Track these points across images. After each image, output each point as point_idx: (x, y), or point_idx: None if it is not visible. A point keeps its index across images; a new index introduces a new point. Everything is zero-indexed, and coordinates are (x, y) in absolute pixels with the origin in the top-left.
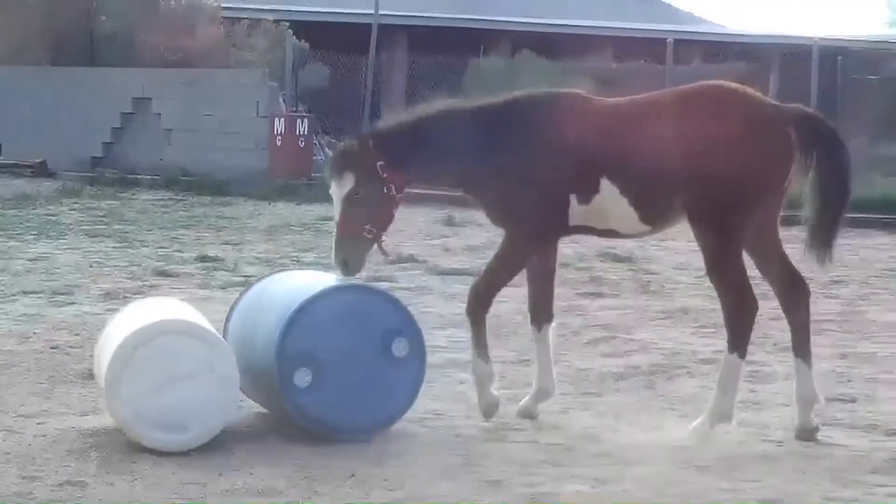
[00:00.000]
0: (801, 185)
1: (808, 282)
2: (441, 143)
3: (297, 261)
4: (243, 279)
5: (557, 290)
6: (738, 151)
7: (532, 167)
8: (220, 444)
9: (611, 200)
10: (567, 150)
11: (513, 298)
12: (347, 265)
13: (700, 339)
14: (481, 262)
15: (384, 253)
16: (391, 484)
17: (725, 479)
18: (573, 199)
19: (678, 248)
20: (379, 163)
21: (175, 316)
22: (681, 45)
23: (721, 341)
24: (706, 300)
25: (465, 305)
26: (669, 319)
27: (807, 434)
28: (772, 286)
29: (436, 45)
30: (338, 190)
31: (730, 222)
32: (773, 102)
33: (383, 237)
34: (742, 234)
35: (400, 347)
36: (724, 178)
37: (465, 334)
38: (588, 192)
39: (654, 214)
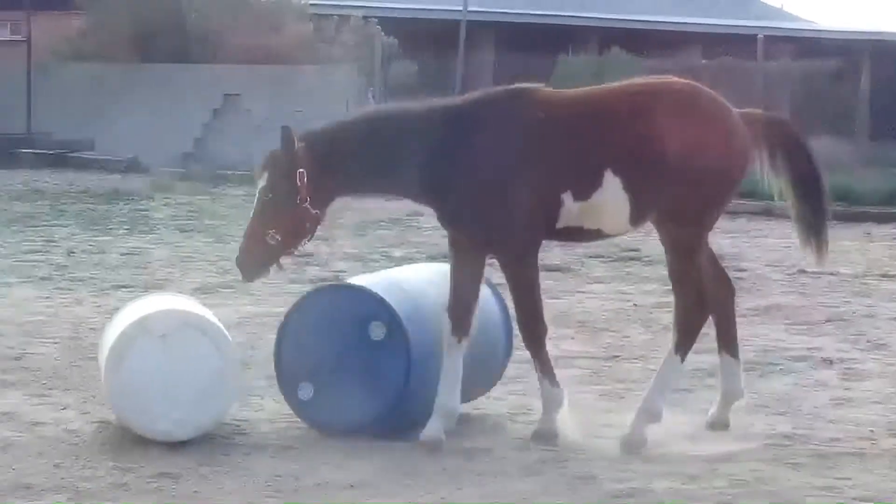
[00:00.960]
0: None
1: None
2: (386, 150)
3: (387, 256)
4: (334, 274)
5: (648, 287)
6: (720, 151)
7: (517, 168)
8: (313, 438)
9: (613, 196)
10: (562, 145)
11: (599, 296)
12: (243, 268)
13: (792, 336)
14: (570, 258)
15: (279, 266)
16: (482, 479)
17: (819, 476)
18: (566, 197)
19: (769, 245)
20: (299, 170)
21: (181, 307)
22: (770, 41)
23: (815, 339)
24: (798, 297)
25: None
26: (761, 316)
27: (720, 426)
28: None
29: (523, 42)
30: (258, 186)
31: (702, 222)
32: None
33: (294, 249)
34: (707, 233)
35: (377, 331)
36: (706, 176)
37: (553, 330)
38: (588, 188)
39: (644, 213)
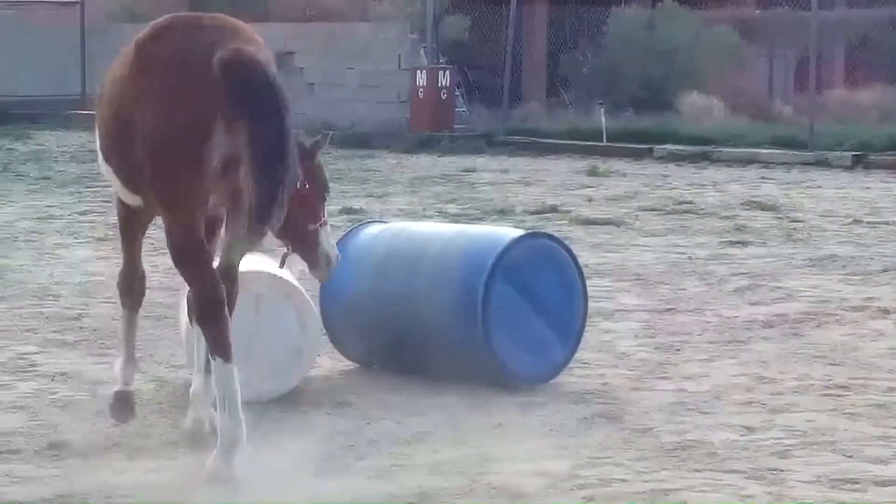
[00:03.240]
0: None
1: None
2: None
3: (441, 212)
4: None
5: (702, 240)
6: (153, 99)
7: None
8: (369, 394)
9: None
10: None
11: (654, 249)
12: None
13: (848, 287)
14: (624, 212)
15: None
16: (537, 433)
17: (877, 426)
18: None
19: (824, 196)
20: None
21: (277, 273)
22: None
23: (872, 288)
24: (854, 247)
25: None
26: (816, 267)
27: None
28: None
29: None
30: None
31: (164, 189)
32: (216, 40)
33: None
34: (183, 209)
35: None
36: (150, 132)
37: (610, 284)
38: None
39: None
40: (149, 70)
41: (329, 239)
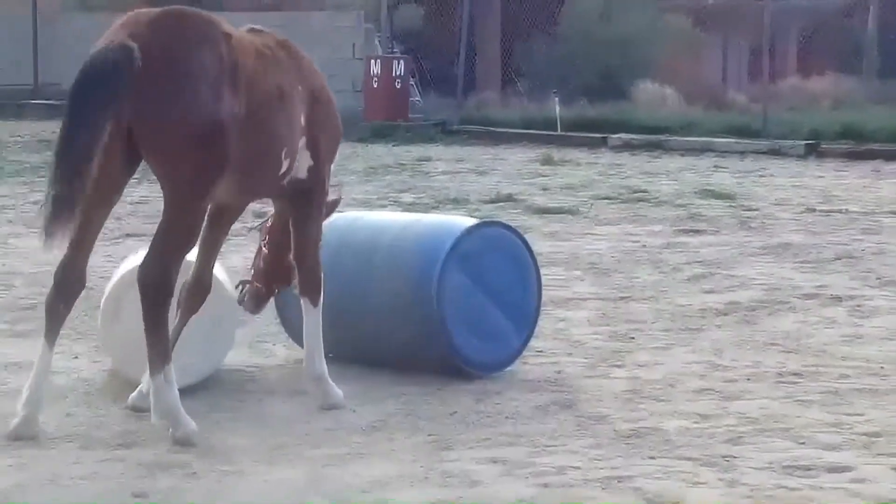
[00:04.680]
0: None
1: None
2: None
3: (396, 202)
4: None
5: (656, 228)
6: None
7: None
8: None
9: None
10: None
11: (608, 237)
12: None
13: (801, 274)
14: (579, 201)
15: None
16: (493, 420)
17: (829, 412)
18: None
19: (778, 184)
20: None
21: None
22: None
23: (825, 276)
24: (807, 235)
25: (562, 244)
26: (770, 255)
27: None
28: None
29: None
30: None
31: None
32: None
33: None
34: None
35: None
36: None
37: (564, 272)
38: None
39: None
40: None
41: None
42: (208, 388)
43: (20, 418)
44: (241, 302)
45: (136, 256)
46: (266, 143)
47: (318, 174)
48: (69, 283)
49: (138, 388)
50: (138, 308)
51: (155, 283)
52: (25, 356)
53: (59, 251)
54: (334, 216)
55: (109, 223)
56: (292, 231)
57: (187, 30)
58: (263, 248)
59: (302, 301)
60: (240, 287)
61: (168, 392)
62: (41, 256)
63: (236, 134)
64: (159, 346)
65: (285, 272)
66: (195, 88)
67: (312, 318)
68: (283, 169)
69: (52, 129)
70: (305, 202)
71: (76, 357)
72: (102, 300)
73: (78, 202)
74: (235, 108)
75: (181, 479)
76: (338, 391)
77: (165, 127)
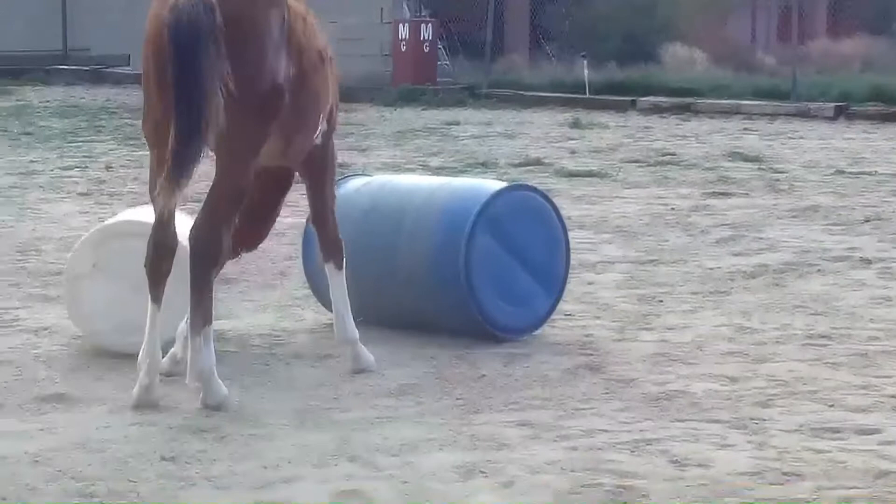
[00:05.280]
0: None
1: None
2: None
3: (424, 165)
4: None
5: (685, 191)
6: None
7: None
8: None
9: None
10: None
11: (636, 200)
12: None
13: (830, 237)
14: (607, 164)
15: None
16: (521, 384)
17: (858, 374)
18: None
19: (807, 147)
20: None
21: (133, 218)
22: None
23: (854, 238)
24: (836, 198)
25: (590, 207)
26: (799, 217)
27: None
28: None
29: None
30: None
31: None
32: None
33: None
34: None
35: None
36: None
37: (593, 236)
38: None
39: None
40: None
41: None
42: (238, 351)
43: (139, 386)
44: None
45: (109, 220)
46: (308, 105)
47: (331, 138)
48: (166, 242)
49: (170, 353)
50: (112, 276)
51: (206, 244)
52: (55, 321)
53: (177, 206)
54: (364, 179)
55: (137, 188)
56: (310, 198)
57: None
58: None
59: (326, 267)
60: None
61: (206, 354)
62: (71, 222)
63: (288, 96)
64: (202, 307)
65: (252, 236)
66: (264, 49)
67: (338, 282)
68: (317, 132)
69: (80, 94)
70: (322, 167)
71: None
72: (68, 269)
73: (200, 157)
74: (290, 70)
75: (210, 442)
76: (369, 355)
77: (235, 85)
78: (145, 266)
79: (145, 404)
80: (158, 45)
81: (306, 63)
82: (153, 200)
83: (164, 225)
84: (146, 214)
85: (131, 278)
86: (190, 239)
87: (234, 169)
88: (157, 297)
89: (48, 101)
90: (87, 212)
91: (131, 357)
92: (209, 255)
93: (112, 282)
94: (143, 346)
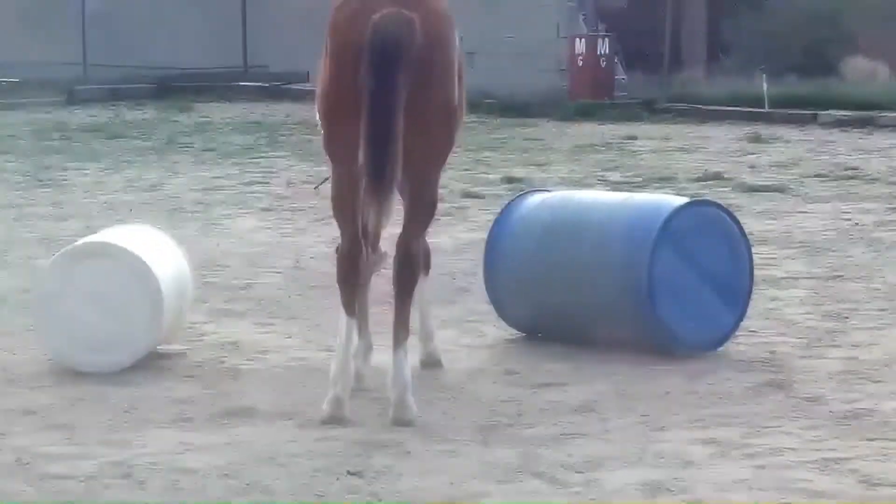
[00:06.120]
0: None
1: None
2: None
3: (603, 180)
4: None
5: (869, 206)
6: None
7: None
8: (535, 362)
9: None
10: None
11: (819, 215)
12: None
13: None
14: (789, 178)
15: None
16: (705, 401)
17: None
18: None
19: None
20: None
21: (104, 239)
22: None
23: None
24: None
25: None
26: None
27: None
28: None
29: None
30: None
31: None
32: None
33: None
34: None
35: None
36: None
37: (775, 251)
38: None
39: None
40: None
41: None
42: (420, 367)
43: (331, 400)
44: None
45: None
46: (460, 119)
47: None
48: (360, 257)
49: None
50: (82, 292)
51: (413, 257)
52: (242, 336)
53: (388, 222)
54: (544, 195)
55: (318, 203)
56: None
57: (445, 6)
58: None
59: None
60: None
61: (406, 367)
62: (255, 237)
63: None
64: (405, 319)
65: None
66: (454, 66)
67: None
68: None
69: (260, 110)
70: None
71: (289, 337)
72: (40, 286)
73: (395, 173)
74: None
75: (396, 457)
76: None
77: (431, 107)
78: (338, 280)
79: (336, 419)
80: (353, 59)
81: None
82: (336, 215)
83: (356, 240)
84: (116, 236)
85: (101, 299)
86: (399, 252)
87: (434, 180)
88: (352, 311)
89: (229, 118)
90: (270, 227)
91: (316, 371)
92: (416, 266)
93: (82, 302)
94: (335, 361)
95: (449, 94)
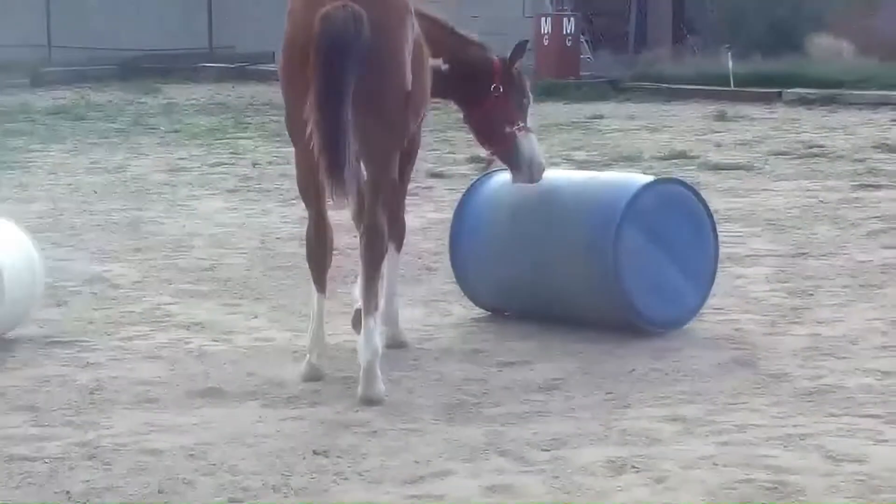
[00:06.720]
0: None
1: None
2: None
3: (569, 159)
4: None
5: (833, 183)
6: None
7: None
8: (501, 341)
9: None
10: None
11: (784, 193)
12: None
13: None
14: (754, 156)
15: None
16: (671, 378)
17: None
18: None
19: None
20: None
21: None
22: None
23: None
24: None
25: (737, 200)
26: None
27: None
28: None
29: None
30: None
31: None
32: None
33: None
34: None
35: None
36: None
37: (741, 229)
38: None
39: None
40: None
41: (533, 145)
42: (386, 346)
43: (308, 364)
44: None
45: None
46: (421, 99)
47: (420, 126)
48: (327, 236)
49: (306, 360)
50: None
51: (377, 230)
52: (207, 316)
53: (351, 204)
54: (509, 175)
55: (284, 184)
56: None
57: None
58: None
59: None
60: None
61: (376, 335)
62: (220, 218)
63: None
64: (374, 291)
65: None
66: (404, 52)
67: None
68: (420, 121)
69: (226, 91)
70: (412, 151)
71: (255, 317)
72: None
73: (348, 159)
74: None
75: (362, 436)
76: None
77: (383, 92)
78: (308, 260)
79: (312, 379)
80: (303, 48)
81: (416, 68)
82: (301, 193)
83: (322, 219)
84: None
85: None
86: (365, 224)
87: (389, 161)
88: (321, 287)
89: (195, 99)
90: (236, 208)
91: (282, 352)
92: (381, 240)
93: None
94: (309, 332)
95: (401, 79)
